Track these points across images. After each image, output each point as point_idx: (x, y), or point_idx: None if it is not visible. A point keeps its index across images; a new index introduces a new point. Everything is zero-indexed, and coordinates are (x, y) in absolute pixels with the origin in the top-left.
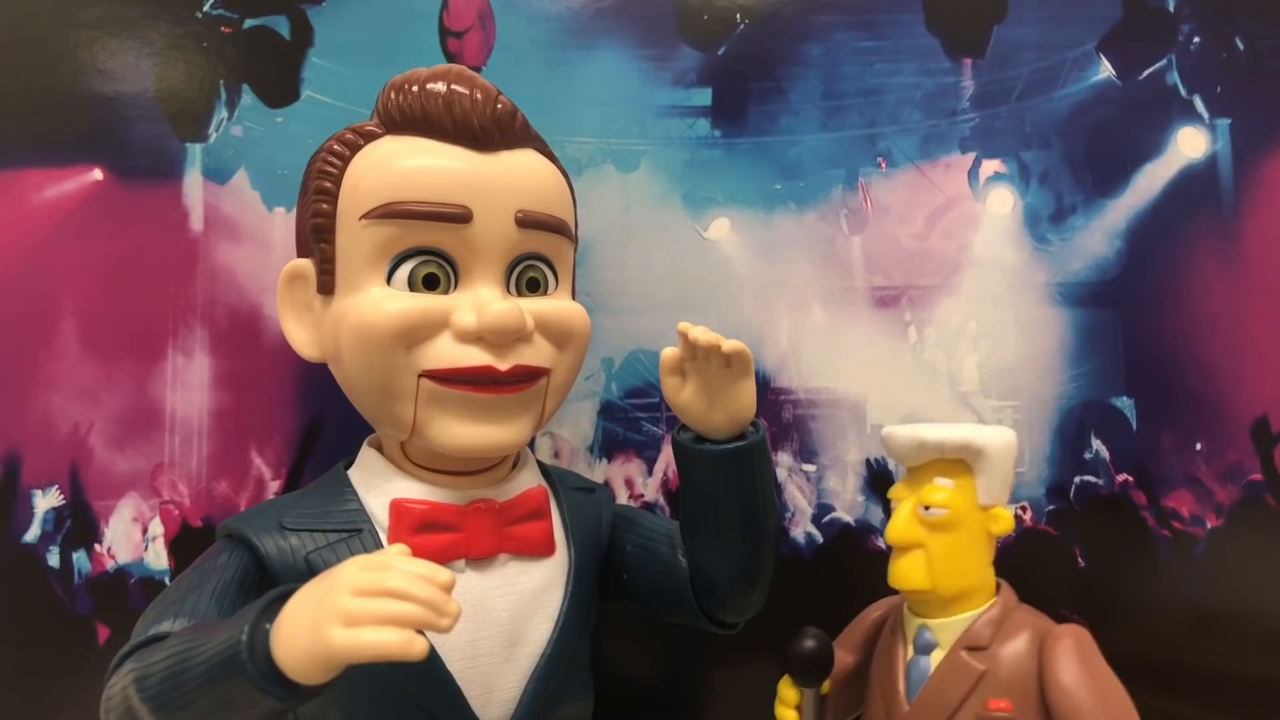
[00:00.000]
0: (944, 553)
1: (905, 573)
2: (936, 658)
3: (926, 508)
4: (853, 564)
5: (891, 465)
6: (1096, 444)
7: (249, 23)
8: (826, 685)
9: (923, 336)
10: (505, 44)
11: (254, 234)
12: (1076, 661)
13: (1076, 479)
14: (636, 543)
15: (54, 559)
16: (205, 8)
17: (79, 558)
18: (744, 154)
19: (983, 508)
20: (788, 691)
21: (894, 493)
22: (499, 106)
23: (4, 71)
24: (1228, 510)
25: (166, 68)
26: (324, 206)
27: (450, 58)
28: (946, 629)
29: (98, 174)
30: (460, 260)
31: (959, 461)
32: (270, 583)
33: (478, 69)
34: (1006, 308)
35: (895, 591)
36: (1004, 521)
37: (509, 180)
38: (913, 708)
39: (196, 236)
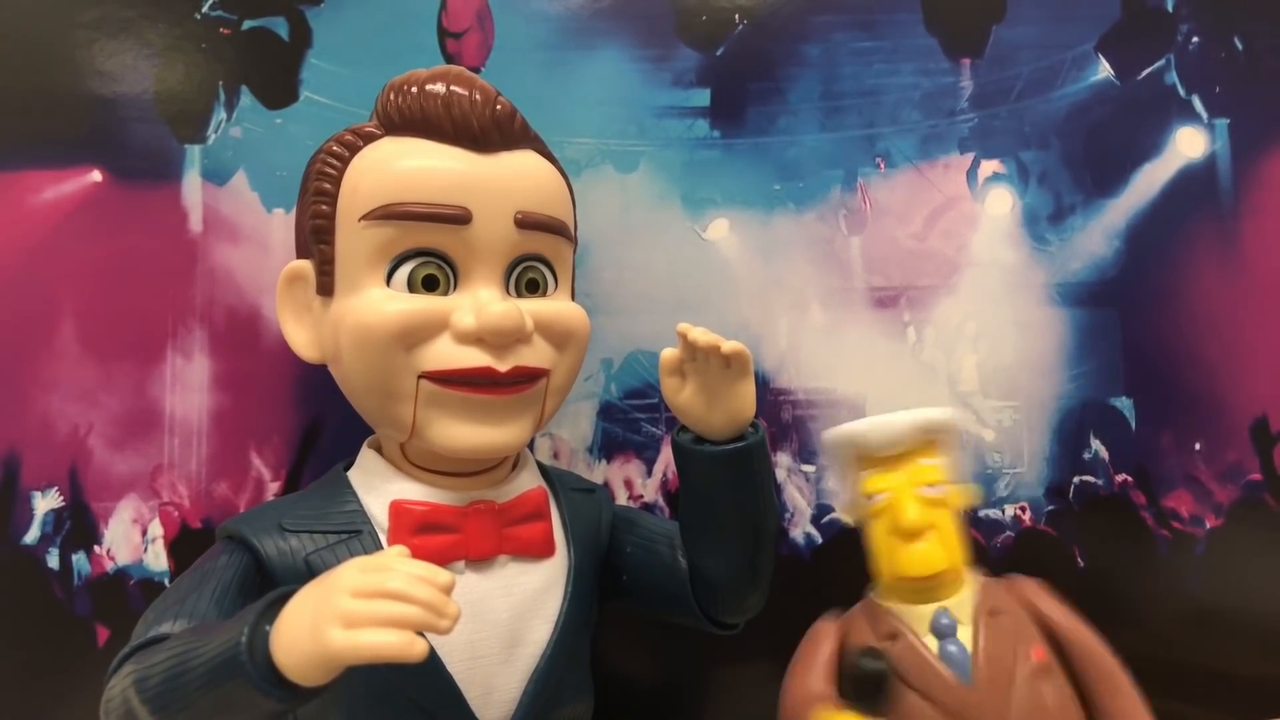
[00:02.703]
0: (949, 529)
1: (926, 557)
2: (965, 634)
3: (932, 486)
4: (852, 565)
5: None
6: (1096, 444)
7: (248, 24)
8: None
9: (922, 337)
10: (504, 45)
11: (253, 235)
12: (1057, 605)
13: (1076, 479)
14: (636, 543)
15: (53, 560)
16: (204, 9)
17: (78, 559)
18: (743, 155)
19: (954, 482)
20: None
21: (874, 484)
22: (498, 107)
23: (3, 73)
24: (1227, 510)
25: (165, 69)
26: (323, 208)
27: (449, 58)
28: (962, 605)
29: (97, 175)
30: (460, 261)
31: (931, 443)
32: (270, 584)
33: (476, 70)
34: (1005, 308)
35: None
36: (971, 494)
37: (508, 181)
38: (976, 686)
39: (195, 238)
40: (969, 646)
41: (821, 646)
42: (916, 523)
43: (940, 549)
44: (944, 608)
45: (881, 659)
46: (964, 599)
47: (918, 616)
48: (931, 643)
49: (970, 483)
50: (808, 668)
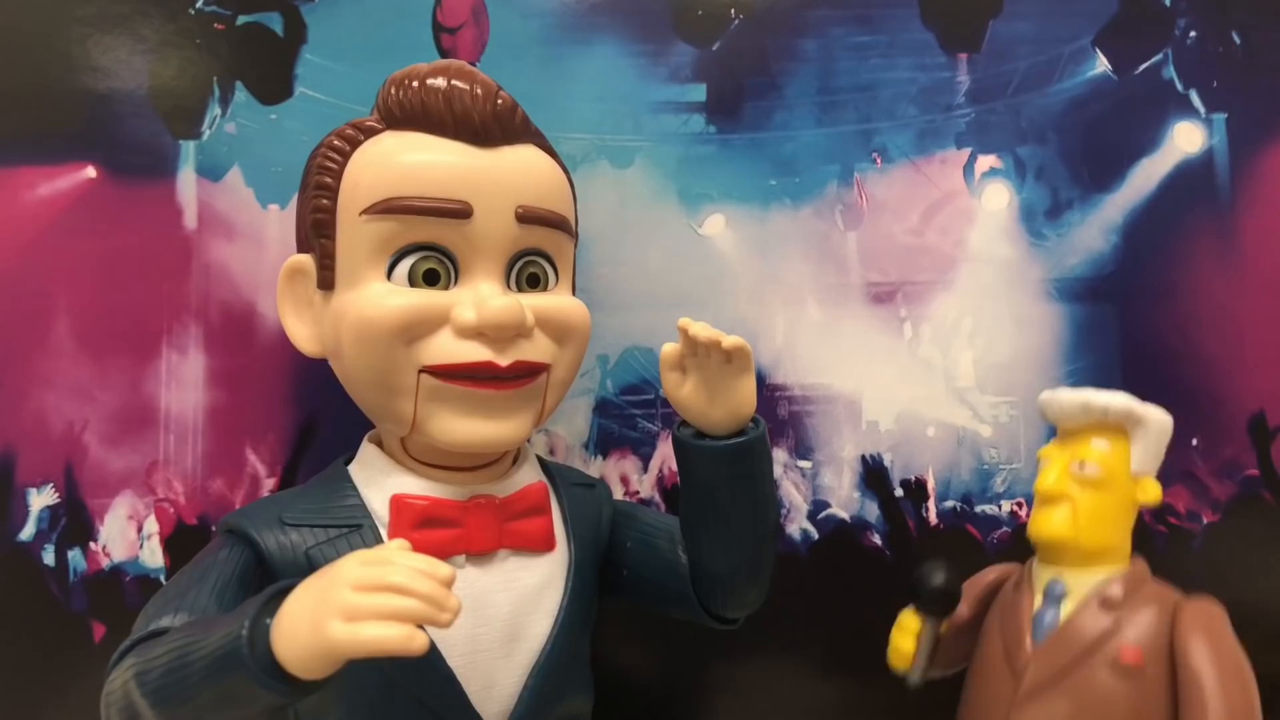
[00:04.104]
0: (1090, 508)
1: (1049, 521)
2: (1067, 608)
3: (1081, 465)
4: (849, 560)
5: (888, 461)
6: None
7: (242, 19)
8: (945, 626)
9: (918, 332)
10: (499, 40)
11: (248, 231)
12: (1205, 635)
13: None
14: (637, 538)
15: (49, 557)
16: (198, 4)
17: (74, 556)
18: (739, 150)
19: (1133, 476)
20: (910, 619)
21: (1044, 452)
22: (499, 102)
23: None
24: (1224, 506)
25: (160, 64)
26: (324, 202)
27: (444, 53)
28: (1081, 582)
29: (91, 171)
30: (460, 256)
31: (1117, 428)
32: (270, 578)
33: (471, 65)
34: (1002, 303)
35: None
36: (1153, 491)
37: (509, 176)
38: (1039, 650)
39: (190, 234)
40: (1061, 619)
41: (985, 577)
42: (1047, 489)
43: (1065, 520)
44: (1061, 577)
45: (948, 572)
46: (1089, 579)
47: (1041, 575)
48: (1038, 601)
49: (1152, 478)
50: (967, 593)
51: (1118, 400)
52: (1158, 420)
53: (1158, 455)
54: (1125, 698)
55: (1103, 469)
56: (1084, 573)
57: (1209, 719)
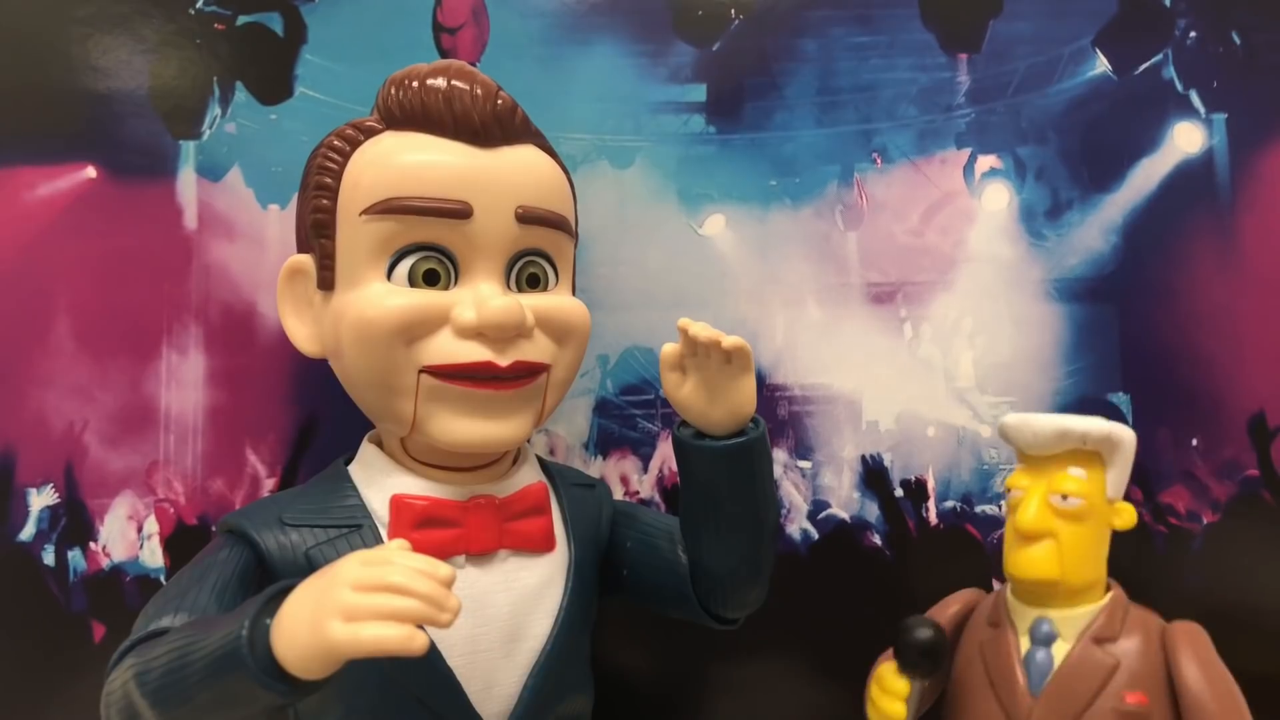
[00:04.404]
0: (1074, 543)
1: (1035, 562)
2: (1060, 650)
3: (1064, 497)
4: (849, 560)
5: (888, 461)
6: None
7: (242, 19)
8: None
9: (918, 332)
10: (499, 40)
11: (248, 231)
12: (1198, 659)
13: None
14: (637, 538)
15: (49, 557)
16: (198, 4)
17: (74, 556)
18: (739, 150)
19: (1108, 501)
20: (896, 682)
21: (1015, 480)
22: (499, 102)
23: None
24: (1224, 506)
25: (160, 64)
26: (324, 202)
27: (444, 53)
28: (1070, 621)
29: (91, 171)
30: (460, 256)
31: (1091, 453)
32: (270, 578)
33: (472, 65)
34: (1002, 303)
35: (999, 581)
36: (1128, 515)
37: (509, 176)
38: (1041, 700)
39: (190, 234)
40: (1056, 662)
41: (948, 608)
42: (1030, 526)
43: (1052, 559)
44: (1048, 616)
45: (932, 633)
46: (1076, 616)
47: (1024, 615)
48: (1025, 644)
49: (1125, 502)
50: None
51: (1095, 425)
52: (1129, 441)
53: (1128, 475)
54: None
55: (1084, 500)
56: (1070, 609)
57: None
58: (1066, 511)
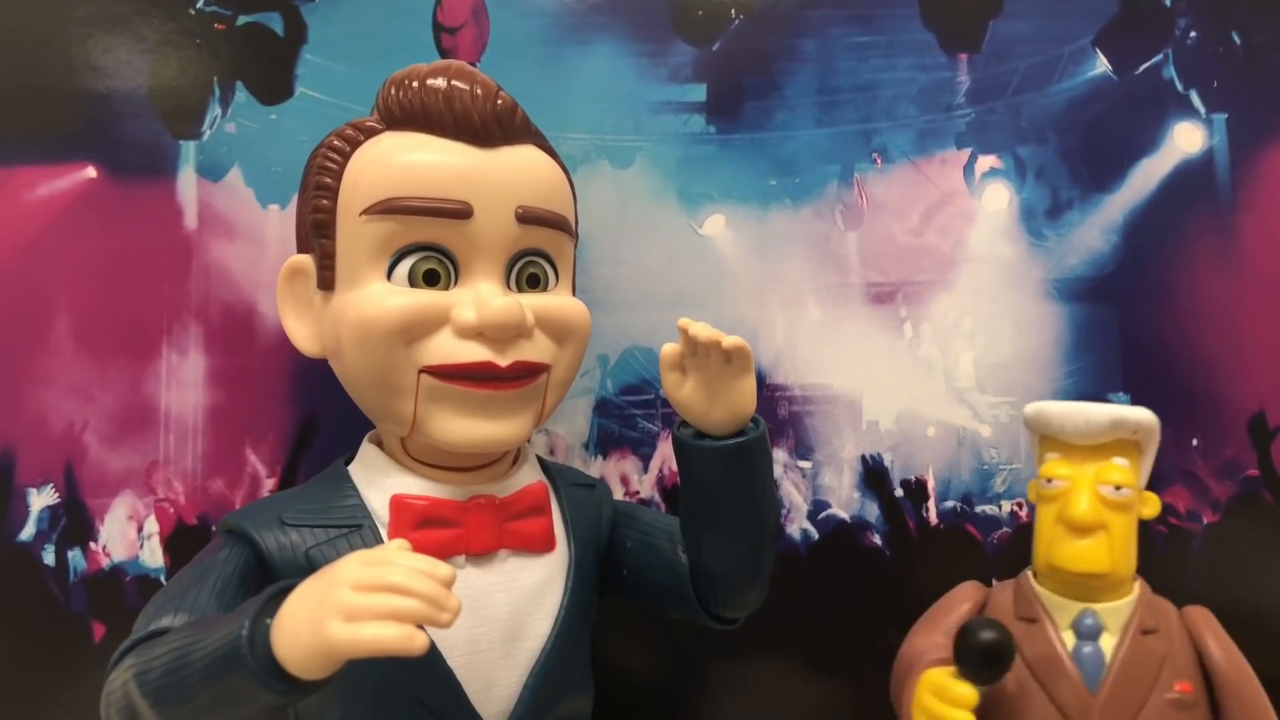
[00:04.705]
0: (1122, 534)
1: (1087, 555)
2: (1108, 642)
3: (1117, 488)
4: (849, 560)
5: (888, 461)
6: None
7: (242, 19)
8: None
9: (918, 332)
10: (499, 40)
11: (248, 231)
12: (1219, 640)
13: None
14: (637, 538)
15: (49, 557)
16: (198, 4)
17: (74, 556)
18: (739, 150)
19: (1140, 491)
20: (960, 690)
21: (1053, 470)
22: (499, 102)
23: None
24: (1224, 506)
25: (160, 64)
26: (324, 202)
27: (444, 53)
28: (1115, 614)
29: (91, 171)
30: (461, 256)
31: (1131, 442)
32: (270, 578)
33: (472, 65)
34: (1002, 303)
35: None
36: (1154, 504)
37: (509, 176)
38: (1104, 695)
39: (190, 234)
40: (1108, 656)
41: (956, 608)
42: (1086, 518)
43: (1105, 551)
44: (1093, 609)
45: (1003, 634)
46: (1119, 608)
47: (1063, 609)
48: (1069, 639)
49: (1150, 491)
50: (934, 625)
51: (1146, 415)
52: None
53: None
54: None
55: (1132, 490)
56: (1113, 601)
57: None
58: (1117, 502)
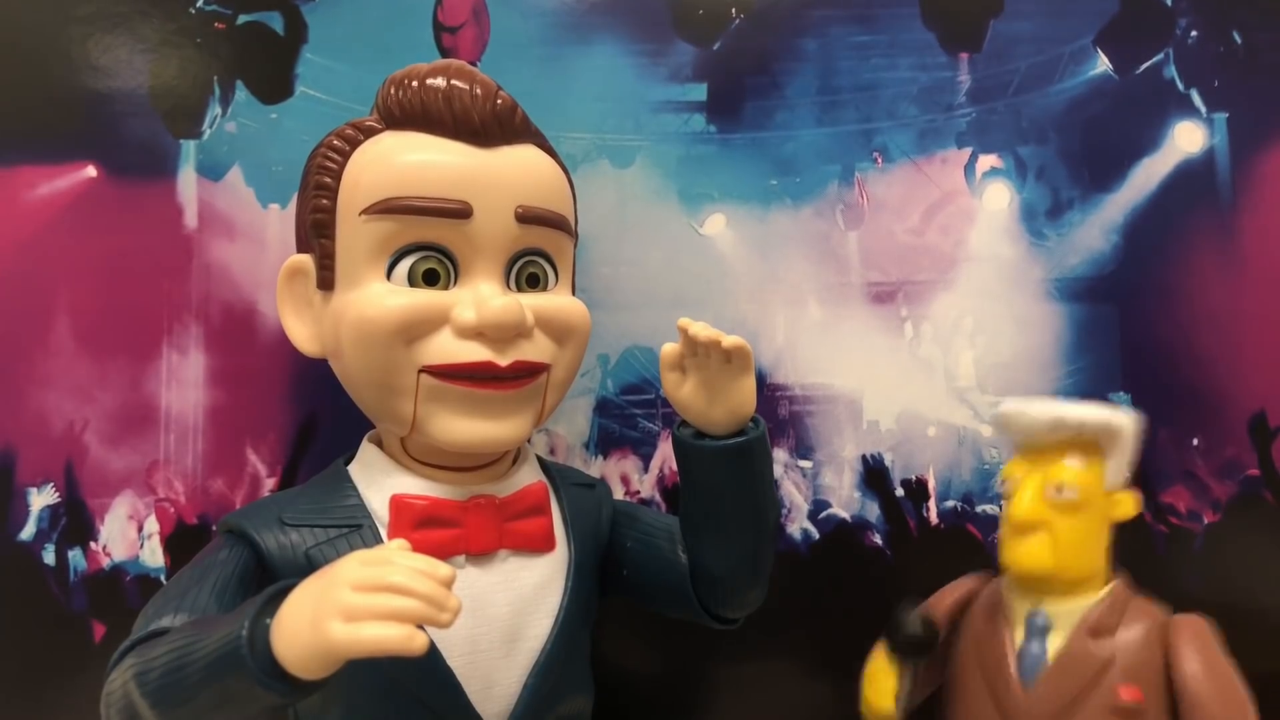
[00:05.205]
0: (1069, 535)
1: (1028, 554)
2: (1054, 642)
3: (1059, 489)
4: (849, 560)
5: (889, 460)
6: None
7: (243, 18)
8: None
9: (919, 332)
10: (500, 39)
11: (248, 230)
12: (1200, 653)
13: None
14: (636, 538)
15: (49, 557)
16: (199, 3)
17: (74, 555)
18: (739, 149)
19: (1106, 491)
20: (886, 674)
21: (1009, 470)
22: (499, 102)
23: None
24: (1225, 506)
25: (160, 64)
26: (324, 202)
27: (444, 53)
28: (1065, 614)
29: (91, 171)
30: (460, 256)
31: (1089, 443)
32: (270, 578)
33: (472, 64)
34: (1003, 303)
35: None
36: (1127, 505)
37: (509, 175)
38: (1032, 694)
39: (191, 233)
40: (1050, 655)
41: (946, 597)
42: (1022, 518)
43: (1046, 551)
44: (1044, 608)
45: (922, 626)
46: (1073, 608)
47: (1019, 607)
48: (1019, 635)
49: (1126, 491)
50: (935, 606)
51: (1092, 414)
52: (1129, 429)
53: (1131, 462)
54: None
55: (1080, 491)
56: (1067, 602)
57: None
58: (1061, 503)
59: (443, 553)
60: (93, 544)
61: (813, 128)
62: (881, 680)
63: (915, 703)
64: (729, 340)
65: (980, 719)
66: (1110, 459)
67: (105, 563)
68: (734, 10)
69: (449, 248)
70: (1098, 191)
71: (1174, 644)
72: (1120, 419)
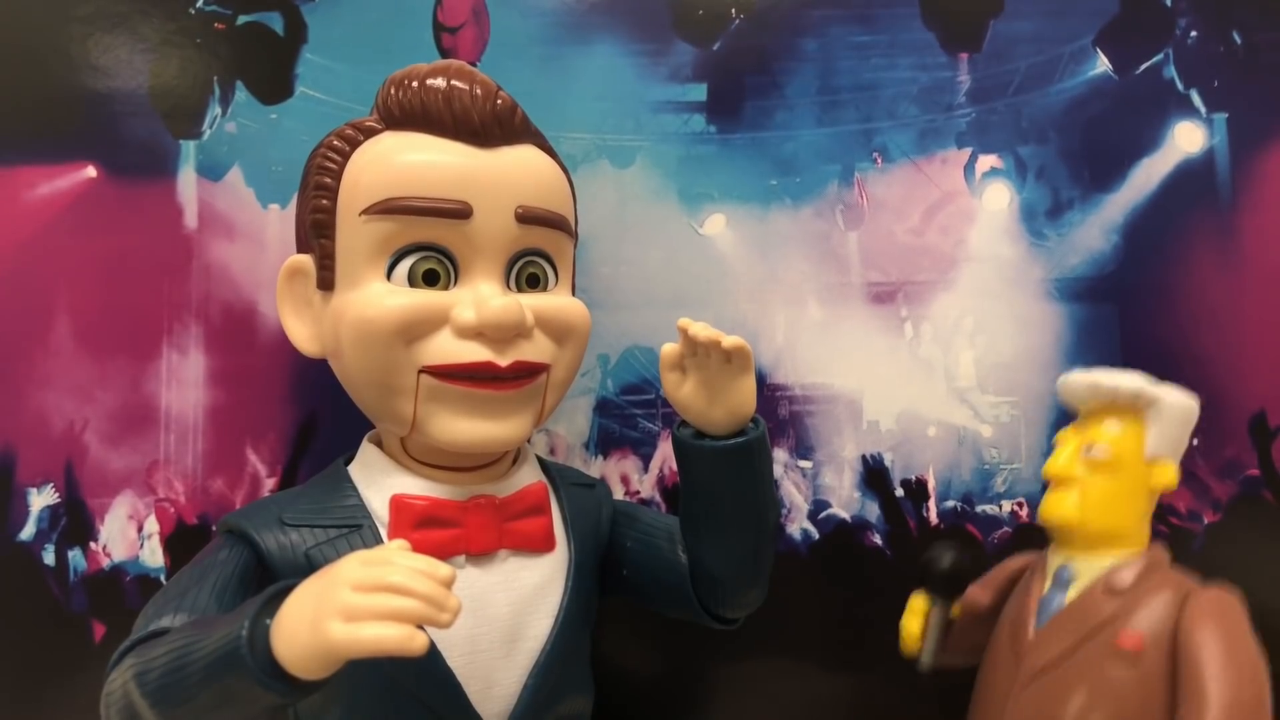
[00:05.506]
0: (1098, 492)
1: (1056, 505)
2: (1072, 593)
3: (1090, 447)
4: (849, 560)
5: (889, 460)
6: None
7: (243, 18)
8: (956, 609)
9: (919, 332)
10: (499, 39)
11: (248, 231)
12: (1214, 627)
13: None
14: (636, 538)
15: (49, 557)
16: (199, 3)
17: (74, 556)
18: (739, 149)
19: (1148, 460)
20: (919, 602)
21: (1061, 435)
22: (499, 102)
23: None
24: (1225, 506)
25: (160, 64)
26: (324, 202)
27: (444, 53)
28: (1089, 567)
29: (91, 171)
30: (460, 256)
31: (1130, 410)
32: (270, 578)
33: (472, 64)
34: (1003, 303)
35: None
36: (1166, 475)
37: (509, 176)
38: (1038, 635)
39: (191, 233)
40: (1065, 603)
41: (1001, 571)
42: (1055, 471)
43: (1073, 503)
44: (1072, 564)
45: (956, 553)
46: (1098, 565)
47: (1053, 562)
48: (1046, 587)
49: (1169, 462)
50: (988, 578)
51: (1126, 381)
52: (1174, 402)
53: (1179, 439)
54: (1123, 684)
55: (1112, 451)
56: (1092, 557)
57: (1207, 710)
58: (1093, 461)
59: (443, 553)
60: (93, 544)
61: (813, 128)
62: (910, 620)
63: (956, 662)
64: (729, 340)
65: (999, 658)
66: (1151, 426)
67: (105, 563)
68: (734, 10)
69: (449, 248)
70: (1098, 191)
71: (1186, 613)
72: (1155, 389)
